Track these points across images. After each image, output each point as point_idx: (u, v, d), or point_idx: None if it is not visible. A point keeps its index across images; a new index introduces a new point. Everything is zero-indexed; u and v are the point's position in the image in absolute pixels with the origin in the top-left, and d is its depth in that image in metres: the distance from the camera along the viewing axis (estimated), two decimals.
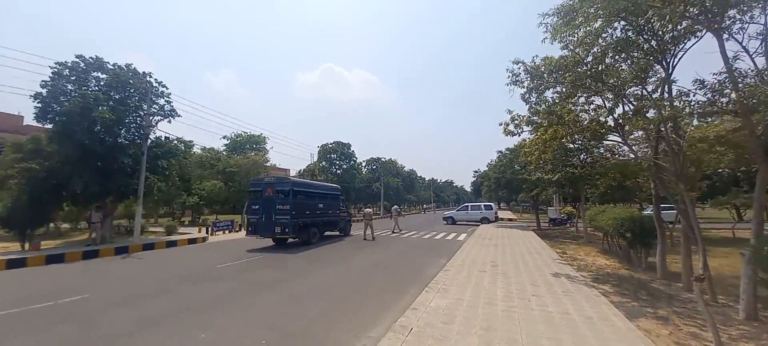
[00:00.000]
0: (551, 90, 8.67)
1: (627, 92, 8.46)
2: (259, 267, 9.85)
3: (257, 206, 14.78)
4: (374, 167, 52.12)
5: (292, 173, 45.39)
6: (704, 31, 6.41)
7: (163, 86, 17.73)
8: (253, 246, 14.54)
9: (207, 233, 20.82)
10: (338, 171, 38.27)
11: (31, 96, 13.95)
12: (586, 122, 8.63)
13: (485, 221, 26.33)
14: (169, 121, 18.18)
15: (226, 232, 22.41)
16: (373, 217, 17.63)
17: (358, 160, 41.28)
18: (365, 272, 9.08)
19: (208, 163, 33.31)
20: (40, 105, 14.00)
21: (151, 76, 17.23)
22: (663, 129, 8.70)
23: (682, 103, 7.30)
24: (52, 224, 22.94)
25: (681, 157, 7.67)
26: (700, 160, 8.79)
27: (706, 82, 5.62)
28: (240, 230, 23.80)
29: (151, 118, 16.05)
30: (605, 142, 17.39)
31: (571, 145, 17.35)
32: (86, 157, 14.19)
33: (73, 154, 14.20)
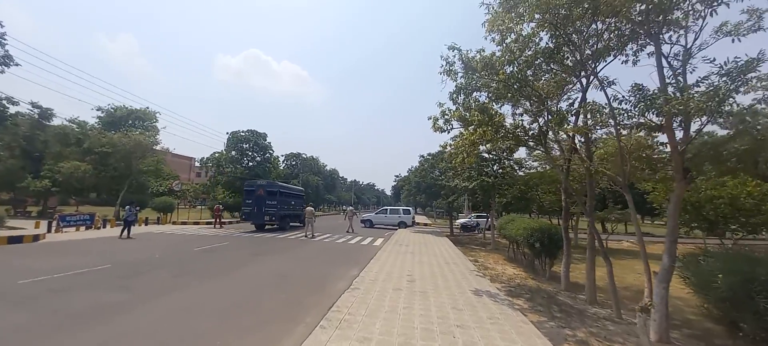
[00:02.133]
0: (481, 91, 8.06)
1: (549, 104, 8.33)
2: (89, 286, 6.97)
3: (250, 202, 20.63)
4: (294, 163, 48.55)
5: (197, 161, 39.25)
6: (630, 44, 6.31)
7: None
8: (115, 253, 11.03)
9: (49, 228, 15.66)
10: (251, 163, 33.97)
11: None
12: (510, 127, 8.24)
13: (402, 225, 26.11)
14: (2, 71, 13.04)
15: (82, 228, 17.30)
16: (314, 215, 18.75)
17: (275, 154, 37.48)
18: (256, 288, 7.07)
19: (73, 139, 26.01)
20: None
21: None
22: (577, 141, 8.97)
23: (600, 116, 7.29)
24: None
25: (592, 170, 7.74)
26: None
27: (643, 88, 5.32)
28: (104, 226, 18.77)
29: None
30: (516, 155, 18.63)
31: (487, 155, 17.99)
32: None
33: None
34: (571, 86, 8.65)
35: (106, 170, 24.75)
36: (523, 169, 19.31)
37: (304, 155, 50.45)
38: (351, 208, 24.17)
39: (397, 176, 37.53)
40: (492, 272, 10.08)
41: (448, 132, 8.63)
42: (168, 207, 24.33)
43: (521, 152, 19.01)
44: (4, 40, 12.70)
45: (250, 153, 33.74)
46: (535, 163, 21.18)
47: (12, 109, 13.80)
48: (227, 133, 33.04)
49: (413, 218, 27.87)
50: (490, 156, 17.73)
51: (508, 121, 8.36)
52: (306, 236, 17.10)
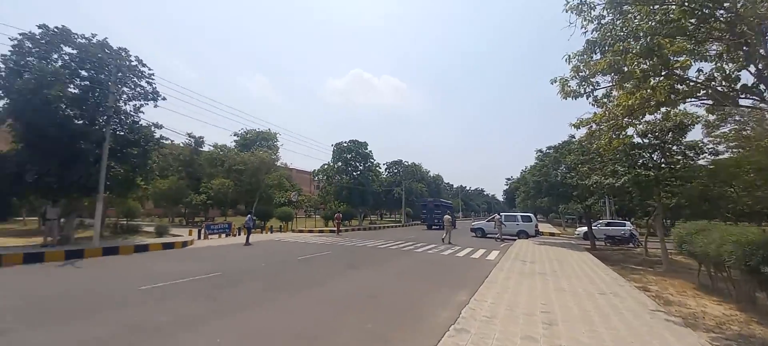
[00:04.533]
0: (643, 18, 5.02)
1: None
2: (184, 295, 6.88)
3: (426, 212, 34.99)
4: (396, 171, 48.69)
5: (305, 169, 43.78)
6: None
7: (144, 65, 15.65)
8: (230, 260, 11.79)
9: (198, 236, 18.58)
10: (355, 173, 35.25)
11: None
12: (706, 73, 4.88)
13: (523, 234, 21.98)
14: (155, 105, 16.07)
15: (222, 236, 20.07)
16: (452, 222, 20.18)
17: (375, 162, 38.07)
18: (338, 311, 5.80)
19: (218, 161, 31.66)
20: None
21: (128, 53, 15.19)
22: None
23: None
24: (24, 219, 21.69)
25: None
26: None
27: None
28: (239, 234, 21.43)
29: (114, 94, 13.69)
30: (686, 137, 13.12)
31: (640, 140, 13.14)
32: (40, 143, 12.13)
33: (26, 138, 12.28)
34: None
35: (241, 185, 28.98)
36: (703, 156, 13.59)
37: (405, 162, 50.14)
38: (498, 216, 22.05)
39: (508, 179, 33.07)
40: (684, 311, 6.49)
41: (588, 96, 5.80)
42: (288, 216, 26.75)
43: (696, 133, 13.31)
44: (152, 79, 15.40)
45: (353, 163, 34.93)
46: (722, 148, 14.86)
47: (157, 133, 16.04)
48: (332, 145, 35.09)
49: (536, 226, 23.29)
50: (647, 140, 12.91)
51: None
52: (442, 241, 18.27)
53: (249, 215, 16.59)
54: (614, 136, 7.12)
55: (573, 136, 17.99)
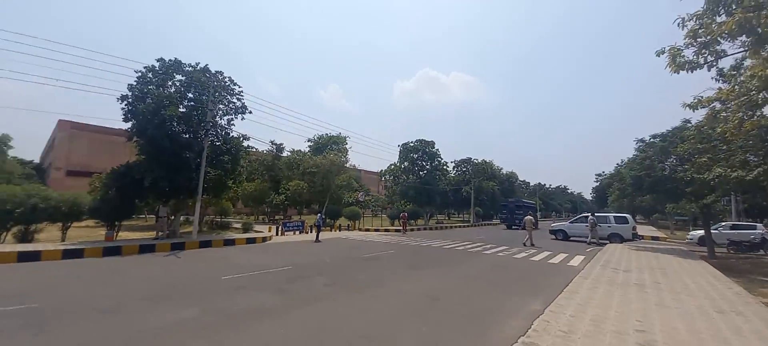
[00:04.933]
0: None
1: None
2: (258, 286, 7.45)
3: (506, 213, 35.14)
4: (465, 169, 46.79)
5: (374, 170, 45.14)
6: None
7: (235, 84, 17.80)
8: (300, 255, 12.61)
9: (276, 232, 20.36)
10: (422, 172, 34.85)
11: (118, 99, 15.01)
12: None
13: (617, 238, 18.92)
14: (242, 118, 18.18)
15: (296, 233, 21.67)
16: (535, 224, 18.46)
17: (443, 160, 37.07)
18: (398, 312, 5.62)
19: (294, 164, 34.38)
20: (126, 106, 14.98)
21: (223, 75, 17.48)
22: None
23: None
24: (145, 217, 26.07)
25: None
26: None
27: None
28: (310, 232, 22.91)
29: (212, 111, 15.85)
30: None
31: None
32: (157, 154, 14.60)
33: (147, 150, 14.88)
34: None
35: (314, 186, 30.98)
36: None
37: (475, 160, 47.84)
38: (592, 216, 19.41)
39: (599, 175, 28.88)
40: None
41: (709, 68, 4.60)
42: (355, 215, 27.70)
43: None
44: (242, 96, 17.35)
45: (419, 162, 34.58)
46: None
47: (245, 143, 18.16)
48: (399, 145, 35.23)
49: (634, 228, 19.82)
50: None
51: None
52: (524, 244, 16.95)
53: (319, 214, 17.60)
54: (746, 117, 5.64)
55: (688, 121, 14.84)
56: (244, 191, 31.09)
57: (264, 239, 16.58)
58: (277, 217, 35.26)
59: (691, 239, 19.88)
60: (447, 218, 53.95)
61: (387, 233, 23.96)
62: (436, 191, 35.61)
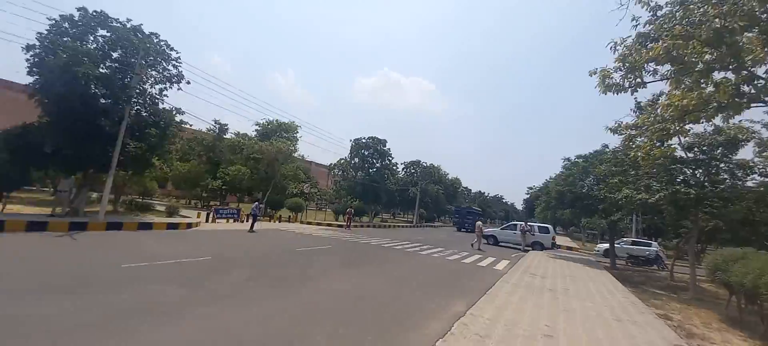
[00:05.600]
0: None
1: None
2: (163, 278, 6.60)
3: (458, 217, 41.26)
4: (413, 171, 47.88)
5: (325, 163, 44.30)
6: None
7: (172, 49, 15.92)
8: (226, 245, 11.62)
9: (207, 219, 18.71)
10: (372, 170, 34.81)
11: (23, 48, 12.47)
12: None
13: (538, 246, 20.77)
14: (178, 88, 16.34)
15: (230, 221, 20.15)
16: (482, 229, 19.70)
17: (393, 160, 37.52)
18: (320, 312, 5.29)
19: (238, 148, 32.08)
20: (32, 58, 12.49)
21: (159, 37, 15.51)
22: None
23: None
24: (52, 189, 22.49)
25: None
26: None
27: None
28: (247, 221, 21.50)
29: (140, 76, 13.92)
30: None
31: (684, 154, 11.86)
32: (64, 117, 12.40)
33: (51, 112, 12.60)
34: None
35: (257, 173, 29.20)
36: (752, 177, 12.20)
37: (424, 163, 49.25)
38: (524, 224, 21.54)
39: (530, 188, 31.44)
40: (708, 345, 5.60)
41: (632, 92, 4.98)
42: (298, 207, 26.66)
43: (746, 152, 11.87)
44: (179, 63, 15.57)
45: (370, 159, 34.53)
46: None
47: (178, 117, 16.38)
48: (351, 140, 34.80)
49: (553, 238, 21.97)
50: (692, 155, 11.64)
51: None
52: (472, 246, 18.28)
53: (256, 203, 16.52)
54: (657, 144, 6.24)
55: (607, 146, 16.73)
56: (177, 171, 28.25)
57: (189, 226, 15.05)
58: (212, 203, 32.65)
59: (598, 251, 22.54)
60: (392, 218, 54.77)
61: (329, 228, 23.44)
62: (384, 190, 35.86)
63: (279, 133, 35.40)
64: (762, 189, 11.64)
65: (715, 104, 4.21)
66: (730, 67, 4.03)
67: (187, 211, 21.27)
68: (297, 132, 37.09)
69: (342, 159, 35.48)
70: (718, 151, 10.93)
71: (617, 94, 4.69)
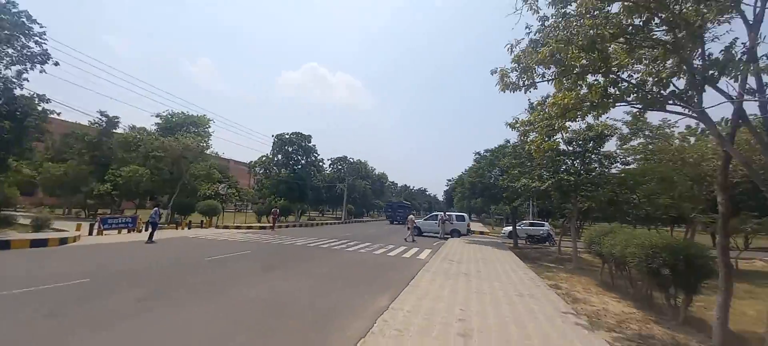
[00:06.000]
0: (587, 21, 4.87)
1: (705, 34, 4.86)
2: (18, 311, 5.28)
3: (390, 211, 44.65)
4: (340, 167, 47.55)
5: (243, 161, 40.91)
6: None
7: (34, 22, 12.71)
8: (115, 261, 9.84)
9: (90, 231, 15.61)
10: (297, 167, 33.36)
11: None
12: (638, 77, 4.92)
13: (456, 233, 22.61)
14: (41, 70, 13.12)
15: (125, 231, 17.17)
16: (414, 222, 20.56)
17: (319, 157, 36.62)
18: (230, 326, 4.77)
19: (133, 145, 27.46)
20: None
21: (16, 6, 12.22)
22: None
23: None
24: None
25: None
26: None
27: None
28: (147, 228, 18.63)
29: None
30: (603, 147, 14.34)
31: (566, 147, 14.05)
32: None
33: None
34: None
35: (160, 174, 25.46)
36: (616, 165, 15.01)
37: (350, 159, 49.31)
38: (442, 214, 23.40)
39: (449, 180, 34.07)
40: (589, 308, 6.78)
41: (526, 91, 5.57)
42: (212, 211, 24.12)
43: (610, 144, 14.66)
44: (43, 39, 12.55)
45: (295, 156, 33.10)
46: (631, 159, 16.56)
47: (41, 106, 13.34)
48: (273, 136, 32.79)
49: (468, 225, 24.16)
50: (571, 148, 13.82)
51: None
52: (405, 240, 18.82)
53: (155, 208, 14.36)
54: (546, 139, 7.10)
55: (508, 141, 18.92)
56: (48, 174, 23.03)
57: (63, 241, 12.32)
58: (102, 211, 27.49)
59: (503, 234, 25.58)
60: (321, 215, 53.67)
61: (250, 231, 21.78)
62: (311, 187, 34.80)
63: (187, 127, 31.38)
64: (622, 175, 14.47)
65: (588, 103, 5.01)
66: (601, 70, 4.83)
67: (65, 223, 17.47)
68: (208, 126, 33.42)
69: (263, 156, 33.24)
70: (590, 144, 13.18)
71: (514, 92, 5.25)
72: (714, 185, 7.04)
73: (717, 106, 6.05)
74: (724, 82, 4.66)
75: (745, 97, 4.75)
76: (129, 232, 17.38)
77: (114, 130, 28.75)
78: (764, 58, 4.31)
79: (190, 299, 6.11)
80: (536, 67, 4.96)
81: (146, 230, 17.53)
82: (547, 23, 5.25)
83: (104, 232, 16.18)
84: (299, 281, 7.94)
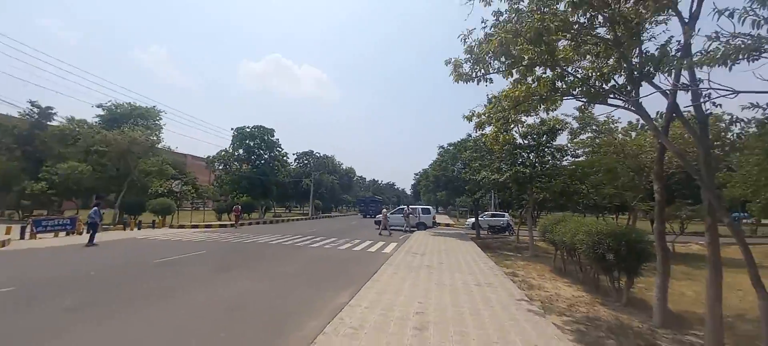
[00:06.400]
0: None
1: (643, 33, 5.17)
2: None
3: (363, 205, 48.47)
4: (306, 162, 46.45)
5: (199, 156, 38.58)
6: None
7: None
8: (46, 267, 8.85)
9: (21, 234, 13.99)
10: (259, 162, 32.01)
11: None
12: (582, 73, 5.13)
13: (422, 226, 22.96)
14: None
15: (62, 234, 15.54)
16: (387, 216, 20.51)
17: (283, 151, 35.41)
18: (162, 338, 4.39)
19: (71, 138, 24.89)
20: None
21: None
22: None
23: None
24: None
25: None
26: None
27: None
28: (88, 231, 17.02)
29: None
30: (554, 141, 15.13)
31: (522, 141, 14.65)
32: None
33: None
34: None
35: (104, 170, 23.34)
36: (567, 158, 15.90)
37: (317, 154, 48.34)
38: (406, 208, 23.35)
39: (417, 174, 34.49)
40: (543, 294, 7.10)
41: (479, 82, 5.61)
42: (166, 209, 22.55)
43: (562, 138, 15.54)
44: None
45: (257, 150, 31.77)
46: (580, 152, 17.60)
47: None
48: (232, 129, 31.18)
49: (434, 218, 24.66)
50: (526, 142, 14.44)
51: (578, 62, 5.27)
52: (380, 234, 19.03)
53: (95, 208, 13.12)
54: (502, 132, 7.25)
55: (470, 134, 19.42)
56: None
57: None
58: (37, 212, 24.75)
59: (467, 225, 26.41)
60: (287, 211, 52.27)
61: (209, 230, 20.65)
62: (275, 182, 33.63)
63: (134, 119, 28.88)
64: (573, 167, 15.38)
65: (537, 96, 5.16)
66: (547, 64, 4.98)
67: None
68: (159, 118, 31.01)
69: (223, 151, 31.51)
70: (544, 138, 13.84)
71: (467, 83, 5.29)
72: (651, 175, 7.61)
73: (655, 102, 6.56)
74: (661, 79, 5.00)
75: (678, 90, 5.14)
76: (68, 235, 15.79)
77: (49, 123, 25.90)
78: (698, 53, 4.66)
79: (128, 306, 5.59)
80: (489, 59, 5.00)
81: (88, 232, 16.05)
82: (501, 18, 5.32)
83: (37, 235, 14.57)
84: (258, 282, 7.58)
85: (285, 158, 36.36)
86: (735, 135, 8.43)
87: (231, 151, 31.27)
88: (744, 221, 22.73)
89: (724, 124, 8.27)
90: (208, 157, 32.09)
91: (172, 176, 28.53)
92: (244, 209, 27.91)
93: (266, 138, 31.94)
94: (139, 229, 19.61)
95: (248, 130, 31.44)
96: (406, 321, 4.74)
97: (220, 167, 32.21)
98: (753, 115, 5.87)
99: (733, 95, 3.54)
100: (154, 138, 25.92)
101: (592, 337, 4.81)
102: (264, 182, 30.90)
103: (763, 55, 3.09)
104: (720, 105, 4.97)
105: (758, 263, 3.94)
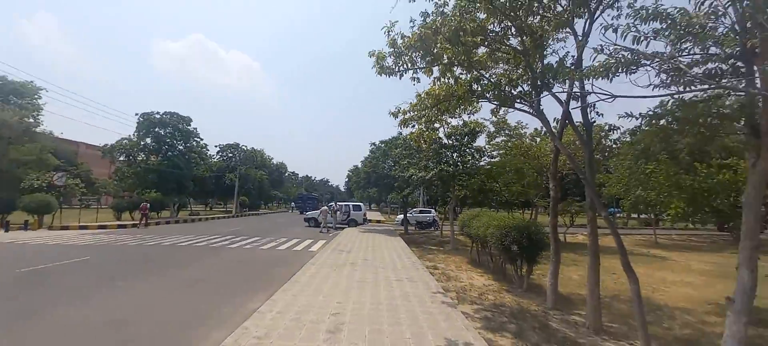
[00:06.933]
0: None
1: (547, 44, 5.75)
2: None
3: (300, 202, 51.22)
4: (230, 155, 42.76)
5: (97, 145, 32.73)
6: None
7: None
8: None
9: None
10: (172, 153, 28.30)
11: None
12: (495, 78, 5.51)
13: (353, 223, 22.89)
14: None
15: None
16: (328, 213, 20.33)
17: (202, 142, 31.96)
18: None
19: None
20: None
21: None
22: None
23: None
24: None
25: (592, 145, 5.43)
26: None
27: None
28: None
29: None
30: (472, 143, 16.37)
31: (446, 140, 15.50)
32: None
33: None
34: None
35: None
36: (485, 158, 17.32)
37: (244, 147, 44.78)
38: (325, 206, 22.46)
39: (350, 170, 34.23)
40: (458, 285, 7.54)
41: (401, 76, 5.64)
42: (45, 207, 18.55)
43: (481, 140, 16.88)
44: None
45: (169, 141, 28.12)
46: (495, 153, 19.26)
47: None
48: (136, 114, 27.02)
49: (364, 214, 24.78)
50: (450, 142, 15.31)
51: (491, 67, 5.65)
52: (321, 232, 18.65)
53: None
54: (426, 130, 7.40)
55: (401, 133, 19.95)
56: None
57: None
58: None
59: (397, 221, 27.24)
60: (209, 209, 47.57)
61: (103, 232, 17.58)
62: (192, 177, 30.18)
63: (5, 96, 23.08)
64: (489, 167, 16.81)
65: (456, 96, 5.40)
66: (464, 65, 5.22)
67: None
68: (38, 96, 25.33)
69: (124, 139, 27.14)
70: (466, 139, 14.83)
71: (390, 76, 5.29)
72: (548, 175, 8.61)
73: (555, 110, 7.46)
74: (558, 89, 5.63)
75: (571, 100, 5.85)
76: None
77: None
78: (587, 68, 5.33)
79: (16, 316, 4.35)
80: (413, 54, 5.05)
81: None
82: (427, 19, 5.42)
83: None
84: (152, 292, 6.60)
85: (205, 150, 32.87)
86: (612, 142, 10.08)
87: (135, 139, 27.11)
88: (617, 215, 27.54)
89: (604, 132, 9.77)
90: (105, 146, 27.35)
91: (55, 168, 23.67)
92: (153, 207, 24.48)
93: (181, 127, 28.39)
94: (6, 231, 15.83)
95: (158, 116, 27.55)
96: (320, 324, 4.54)
97: (122, 158, 27.77)
98: (627, 127, 7.01)
99: (612, 99, 4.11)
100: (31, 120, 21.13)
101: (497, 322, 5.22)
102: (178, 175, 27.42)
103: (640, 68, 3.62)
104: (602, 114, 5.79)
105: (628, 251, 4.65)
